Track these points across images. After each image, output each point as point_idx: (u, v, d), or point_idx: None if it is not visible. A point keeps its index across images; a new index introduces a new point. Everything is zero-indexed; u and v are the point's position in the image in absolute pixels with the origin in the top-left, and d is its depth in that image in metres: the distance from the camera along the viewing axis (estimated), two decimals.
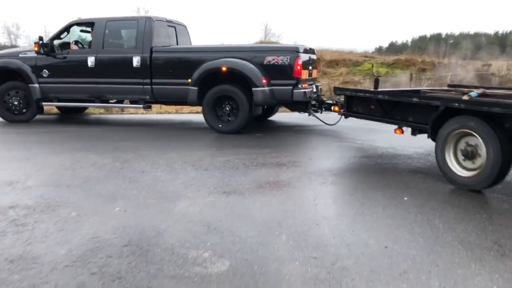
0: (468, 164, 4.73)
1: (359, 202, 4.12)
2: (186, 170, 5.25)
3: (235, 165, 5.56)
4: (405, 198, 4.26)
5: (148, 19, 8.58)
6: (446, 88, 7.33)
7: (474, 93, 5.27)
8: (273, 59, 7.84)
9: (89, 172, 5.10)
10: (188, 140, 7.29)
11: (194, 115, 10.49)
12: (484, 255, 3.01)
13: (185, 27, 10.20)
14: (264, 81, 7.79)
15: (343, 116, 7.13)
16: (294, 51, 7.92)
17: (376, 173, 5.29)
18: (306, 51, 8.43)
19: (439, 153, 4.95)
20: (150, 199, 4.17)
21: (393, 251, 3.06)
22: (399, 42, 63.52)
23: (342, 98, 7.21)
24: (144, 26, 8.46)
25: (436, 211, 3.88)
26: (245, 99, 7.86)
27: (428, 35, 59.91)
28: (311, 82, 8.78)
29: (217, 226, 3.48)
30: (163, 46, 8.66)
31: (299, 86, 7.91)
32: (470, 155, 4.68)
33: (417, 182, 4.93)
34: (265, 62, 7.85)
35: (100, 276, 2.69)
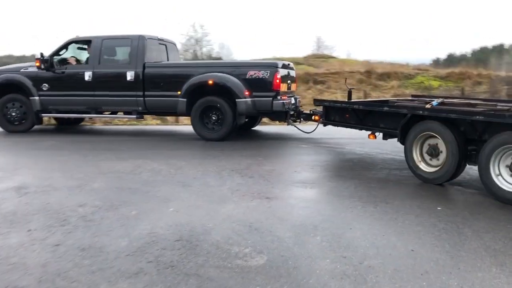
0: (432, 161, 5.65)
1: (393, 210, 4.36)
2: (233, 177, 5.69)
3: (279, 173, 5.94)
4: (439, 208, 4.44)
5: (141, 37, 9.36)
6: (409, 98, 8.32)
7: (435, 102, 6.27)
8: (255, 74, 8.65)
9: (147, 177, 5.66)
10: (237, 149, 7.74)
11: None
12: (506, 261, 3.19)
13: (175, 44, 11.26)
14: (247, 93, 8.58)
15: (320, 125, 8.14)
16: (273, 66, 8.73)
17: (415, 185, 5.48)
18: (285, 66, 9.26)
19: (408, 153, 5.86)
20: (200, 201, 4.62)
21: (418, 254, 3.30)
22: (458, 53, 61.50)
23: (321, 108, 7.99)
24: (138, 44, 9.29)
25: (467, 221, 4.06)
26: (229, 109, 8.66)
27: (489, 46, 57.66)
28: (290, 95, 9.51)
29: (258, 227, 3.86)
30: (154, 62, 9.45)
31: (278, 97, 8.69)
32: (434, 153, 5.59)
33: (455, 193, 5.09)
34: (247, 76, 8.65)
35: (155, 264, 3.14)
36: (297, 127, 9.33)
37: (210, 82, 8.71)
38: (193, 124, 8.96)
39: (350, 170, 6.24)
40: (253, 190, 5.07)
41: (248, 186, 5.25)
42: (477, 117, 5.11)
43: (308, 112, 9.15)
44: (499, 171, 4.86)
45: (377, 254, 3.30)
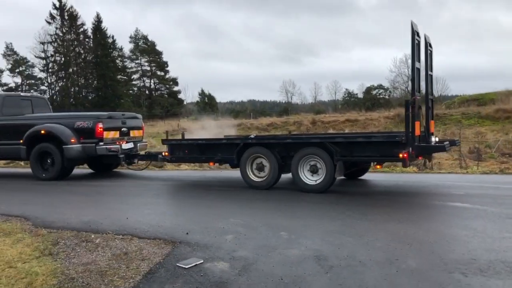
0: (260, 174, 8.36)
1: None
2: None
3: None
4: None
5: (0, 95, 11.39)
6: (226, 136, 10.56)
7: (252, 135, 9.96)
8: (81, 124, 10.24)
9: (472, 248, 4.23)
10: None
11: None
12: None
13: (44, 99, 13.08)
14: (73, 140, 10.09)
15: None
16: (95, 117, 10.35)
17: None
18: (112, 117, 10.83)
19: (243, 170, 8.35)
20: None
21: None
22: None
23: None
24: None
25: None
26: (59, 154, 10.19)
27: None
28: (130, 140, 11.04)
29: None
30: (7, 116, 10.94)
31: (101, 143, 10.14)
32: (260, 168, 8.32)
33: None
34: (75, 126, 10.24)
35: None
36: (129, 167, 11.17)
37: (43, 131, 10.31)
38: (31, 166, 10.63)
39: None
40: None
41: None
42: (288, 140, 8.32)
43: (143, 153, 10.90)
44: (304, 173, 7.81)
45: None
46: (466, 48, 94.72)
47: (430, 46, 8.35)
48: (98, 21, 64.05)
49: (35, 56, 62.12)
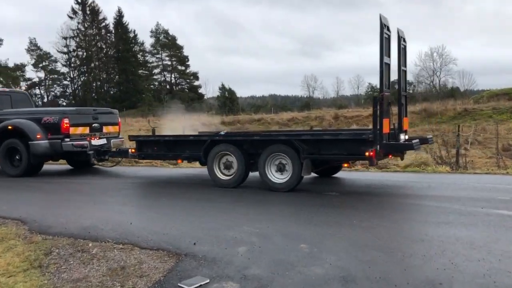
0: (227, 172, 8.04)
1: None
2: None
3: None
4: None
5: None
6: (199, 133, 10.31)
7: (222, 132, 9.37)
8: (48, 119, 9.89)
9: None
10: None
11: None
12: None
13: (26, 94, 12.55)
14: (39, 136, 9.75)
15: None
16: (61, 113, 10.05)
17: None
18: (81, 112, 10.59)
19: (210, 167, 8.08)
20: None
21: None
22: None
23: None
24: None
25: None
26: (25, 150, 9.88)
27: None
28: (104, 136, 10.71)
29: None
30: None
31: (66, 139, 9.78)
32: (228, 166, 8.01)
33: None
34: (42, 122, 9.91)
35: None
36: (98, 164, 10.98)
37: (10, 127, 10.06)
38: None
39: None
40: None
41: None
42: (255, 137, 8.12)
43: (115, 150, 10.24)
44: (271, 171, 7.53)
45: None
46: (491, 41, 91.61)
47: (404, 40, 8.02)
48: (119, 15, 64.27)
49: (58, 51, 62.80)
